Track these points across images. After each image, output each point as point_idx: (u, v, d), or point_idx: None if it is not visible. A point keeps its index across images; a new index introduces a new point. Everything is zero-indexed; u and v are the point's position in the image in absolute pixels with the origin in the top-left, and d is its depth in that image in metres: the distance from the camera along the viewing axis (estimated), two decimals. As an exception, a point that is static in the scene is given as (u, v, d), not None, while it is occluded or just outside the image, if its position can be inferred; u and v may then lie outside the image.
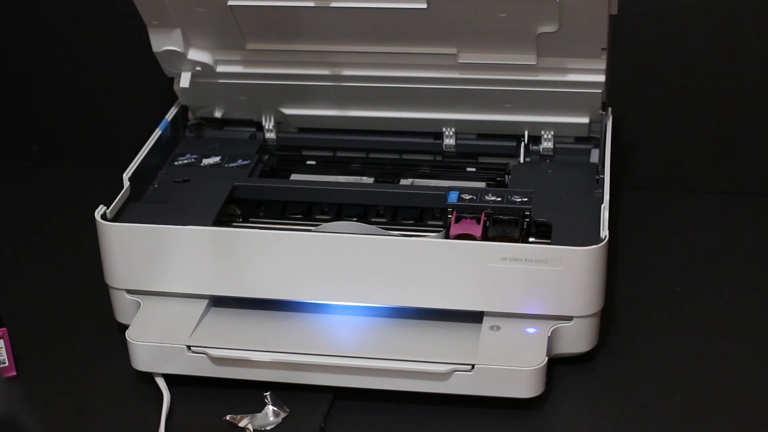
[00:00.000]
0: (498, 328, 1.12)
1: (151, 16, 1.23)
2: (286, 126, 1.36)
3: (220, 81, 1.30)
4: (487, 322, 1.13)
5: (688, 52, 1.43)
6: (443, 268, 1.11)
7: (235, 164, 1.29)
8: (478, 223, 1.17)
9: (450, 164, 1.33)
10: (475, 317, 1.14)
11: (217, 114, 1.36)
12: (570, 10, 1.15)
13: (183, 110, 1.37)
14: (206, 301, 1.17)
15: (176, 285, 1.16)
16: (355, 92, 1.29)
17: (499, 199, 1.19)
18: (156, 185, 1.26)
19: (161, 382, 1.14)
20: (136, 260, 1.16)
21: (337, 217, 1.24)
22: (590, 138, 1.30)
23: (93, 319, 1.25)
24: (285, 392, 1.12)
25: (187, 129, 1.37)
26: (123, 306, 1.19)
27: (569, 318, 1.12)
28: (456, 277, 1.11)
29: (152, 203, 1.22)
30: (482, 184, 1.29)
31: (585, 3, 1.14)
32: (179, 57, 1.27)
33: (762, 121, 1.46)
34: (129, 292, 1.18)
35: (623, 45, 1.39)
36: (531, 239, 1.17)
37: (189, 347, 1.12)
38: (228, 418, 1.10)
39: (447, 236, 1.17)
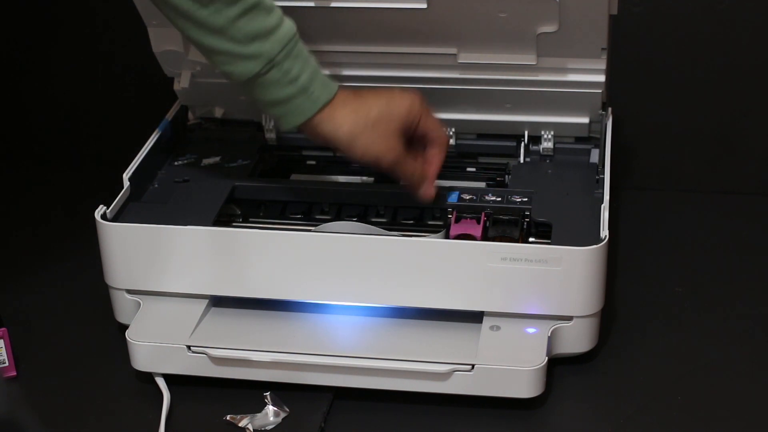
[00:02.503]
0: (498, 328, 1.12)
1: (151, 16, 1.23)
2: (286, 126, 1.36)
3: (220, 81, 1.30)
4: (487, 322, 1.13)
5: (688, 52, 1.43)
6: (443, 268, 1.11)
7: (235, 164, 1.29)
8: (478, 223, 1.17)
9: (450, 164, 1.33)
10: (475, 317, 1.14)
11: (217, 114, 1.36)
12: (570, 10, 1.15)
13: (183, 110, 1.36)
14: (206, 301, 1.17)
15: (176, 285, 1.16)
16: (355, 92, 1.29)
17: (499, 199, 1.19)
18: (156, 185, 1.26)
19: (161, 382, 1.14)
20: (136, 260, 1.16)
21: (337, 217, 1.24)
22: (590, 138, 1.30)
23: (93, 319, 1.25)
24: (285, 392, 1.12)
25: (187, 129, 1.37)
26: (123, 306, 1.19)
27: (569, 318, 1.12)
28: (456, 277, 1.11)
29: (152, 203, 1.22)
30: (482, 184, 1.29)
31: (585, 3, 1.14)
32: (179, 57, 1.27)
33: (762, 121, 1.45)
34: (129, 292, 1.18)
35: (623, 45, 1.39)
36: (531, 239, 1.17)
37: (189, 347, 1.12)
38: (228, 418, 1.10)
39: (447, 236, 1.17)
